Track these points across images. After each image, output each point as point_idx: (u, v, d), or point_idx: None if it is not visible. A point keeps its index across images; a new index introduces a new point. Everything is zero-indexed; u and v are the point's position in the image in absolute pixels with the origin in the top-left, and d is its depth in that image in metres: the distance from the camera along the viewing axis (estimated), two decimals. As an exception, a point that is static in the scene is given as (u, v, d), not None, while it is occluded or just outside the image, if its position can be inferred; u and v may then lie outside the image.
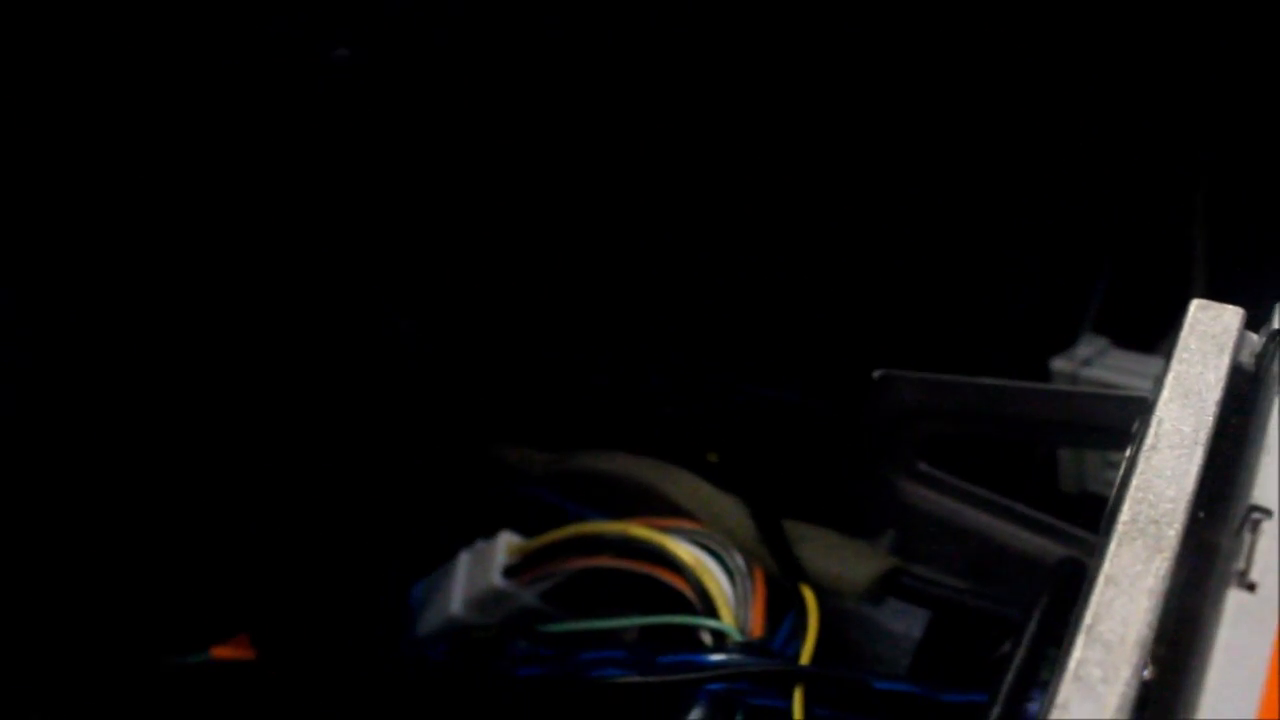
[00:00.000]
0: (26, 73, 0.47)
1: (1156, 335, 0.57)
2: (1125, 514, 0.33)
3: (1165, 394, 0.35)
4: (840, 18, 0.57)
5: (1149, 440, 0.34)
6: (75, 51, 0.47)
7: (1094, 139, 0.61)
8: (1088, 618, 0.31)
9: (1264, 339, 0.37)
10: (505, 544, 0.53)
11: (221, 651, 0.53)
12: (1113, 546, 0.32)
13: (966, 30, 0.58)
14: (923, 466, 0.52)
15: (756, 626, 0.47)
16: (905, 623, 0.50)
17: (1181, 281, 0.60)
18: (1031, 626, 0.43)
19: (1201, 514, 0.34)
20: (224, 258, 0.52)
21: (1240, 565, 0.31)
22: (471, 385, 0.58)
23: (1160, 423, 0.35)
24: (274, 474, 0.55)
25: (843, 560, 0.48)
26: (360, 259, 0.55)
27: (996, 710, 0.41)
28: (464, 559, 0.54)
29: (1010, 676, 0.41)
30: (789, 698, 0.44)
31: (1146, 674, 0.31)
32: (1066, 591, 0.43)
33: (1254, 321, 0.37)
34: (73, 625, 0.51)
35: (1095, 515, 0.36)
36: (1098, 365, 0.56)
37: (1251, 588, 0.30)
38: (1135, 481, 0.33)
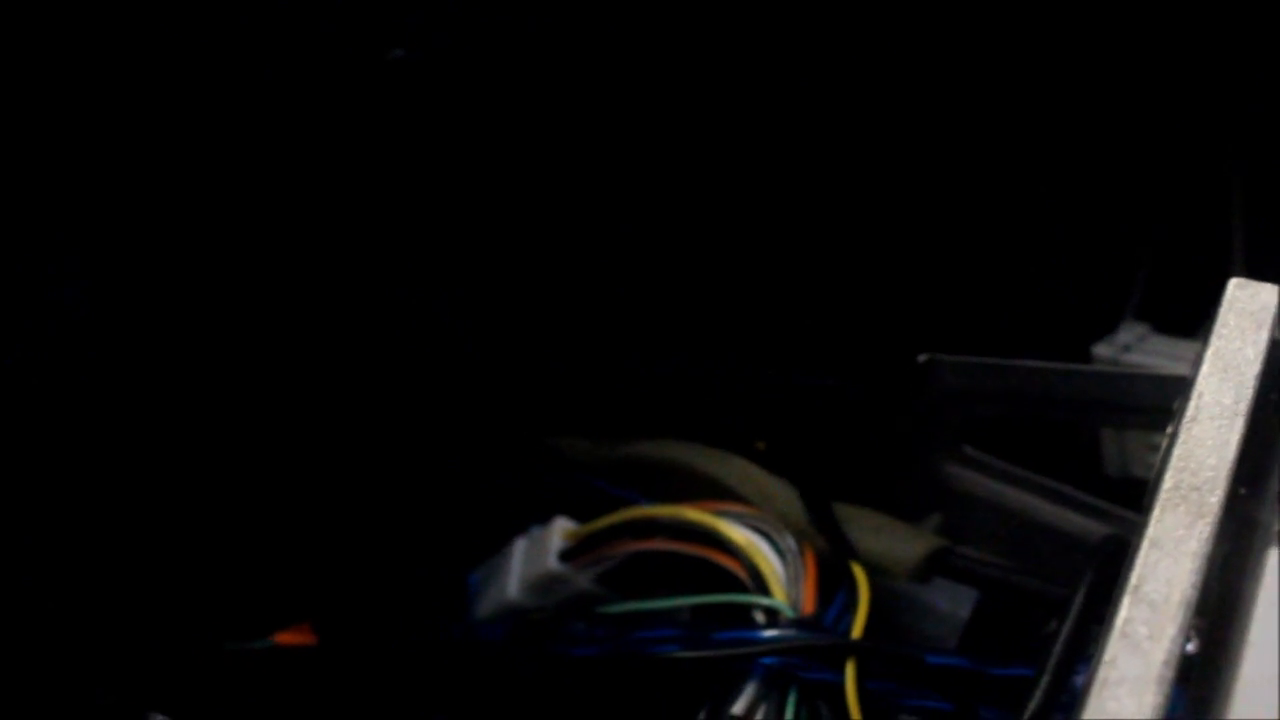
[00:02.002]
0: (94, 72, 0.49)
1: (1196, 321, 0.58)
2: (1168, 482, 0.34)
3: (1205, 368, 0.36)
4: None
5: (1190, 412, 0.35)
6: (132, 51, 0.49)
7: (1134, 126, 0.61)
8: (1133, 579, 0.32)
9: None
10: (560, 529, 0.54)
11: (284, 637, 0.54)
12: (1156, 512, 0.33)
13: (1013, 21, 0.59)
14: (968, 449, 0.53)
15: (808, 604, 0.48)
16: (952, 602, 0.50)
17: (1221, 269, 0.61)
18: (1077, 602, 0.44)
19: (1243, 490, 0.35)
20: (286, 250, 0.54)
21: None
22: (526, 378, 0.59)
23: (1200, 395, 0.36)
24: (335, 463, 0.56)
25: (891, 540, 0.49)
26: (415, 252, 0.56)
27: (1045, 681, 0.42)
28: (520, 544, 0.55)
29: (1058, 649, 0.42)
30: (841, 671, 0.45)
31: (1190, 647, 0.32)
32: (1110, 568, 0.43)
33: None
34: (142, 611, 0.53)
35: (1138, 498, 0.37)
36: (1138, 350, 0.57)
37: (1292, 549, 0.31)
38: (1177, 451, 0.34)
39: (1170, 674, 0.30)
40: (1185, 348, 0.57)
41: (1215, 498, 0.34)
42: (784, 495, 0.51)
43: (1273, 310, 0.38)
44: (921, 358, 0.52)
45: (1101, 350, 0.58)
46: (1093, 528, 0.51)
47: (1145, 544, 0.32)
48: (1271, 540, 0.32)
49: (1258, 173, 0.61)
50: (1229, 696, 0.30)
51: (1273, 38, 0.59)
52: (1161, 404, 0.40)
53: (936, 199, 0.62)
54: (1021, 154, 0.62)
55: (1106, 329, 0.59)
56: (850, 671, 0.45)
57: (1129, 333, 0.58)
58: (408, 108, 0.54)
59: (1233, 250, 0.60)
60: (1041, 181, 0.62)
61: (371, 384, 0.57)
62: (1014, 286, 0.63)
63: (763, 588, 0.48)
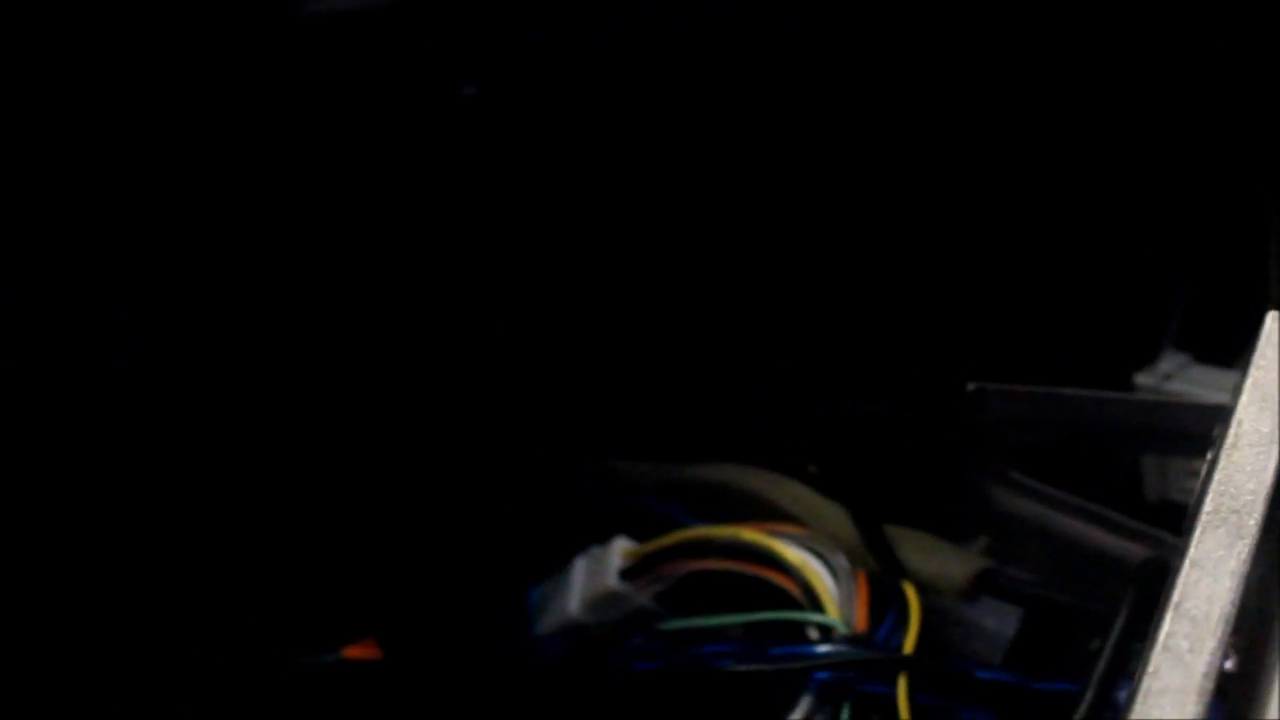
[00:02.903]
0: (152, 105, 0.51)
1: (1234, 351, 0.59)
2: (1208, 505, 0.35)
3: (1244, 398, 0.38)
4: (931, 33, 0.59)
5: (1229, 440, 0.37)
6: (196, 84, 0.51)
7: (1174, 158, 0.62)
8: (1175, 596, 0.33)
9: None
10: (620, 549, 0.55)
11: (351, 651, 0.55)
12: (1197, 534, 0.35)
13: (1052, 61, 0.60)
14: (1014, 474, 0.55)
15: (860, 621, 0.50)
16: (999, 620, 0.52)
17: (1259, 300, 0.62)
18: (1119, 620, 0.45)
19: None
20: (359, 278, 0.56)
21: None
22: (591, 404, 0.61)
23: (1240, 424, 0.37)
24: (404, 484, 0.58)
25: (940, 560, 0.51)
26: (489, 280, 0.58)
27: (1089, 695, 0.44)
28: (580, 564, 0.56)
29: (1101, 665, 0.44)
30: (893, 685, 0.47)
31: (1229, 665, 0.34)
32: (1151, 588, 0.45)
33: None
34: (211, 626, 0.54)
35: (1177, 522, 0.38)
36: (1179, 379, 0.59)
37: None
38: (1218, 476, 0.36)
39: (1210, 685, 0.32)
40: (1224, 377, 0.58)
41: (1253, 520, 0.35)
42: (836, 517, 0.53)
43: (1308, 343, 0.39)
44: (970, 386, 0.53)
45: (1143, 379, 0.59)
46: (1133, 550, 0.53)
47: (1186, 563, 0.34)
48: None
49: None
50: (1265, 709, 0.32)
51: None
52: (1202, 431, 0.42)
53: (985, 238, 0.63)
54: (1065, 189, 0.63)
55: (1147, 359, 0.61)
56: (902, 685, 0.47)
57: (1170, 362, 0.60)
58: (474, 141, 0.56)
59: (1270, 281, 0.61)
60: (1084, 215, 0.64)
61: (442, 408, 0.58)
62: (1059, 317, 0.64)
63: (817, 605, 0.50)
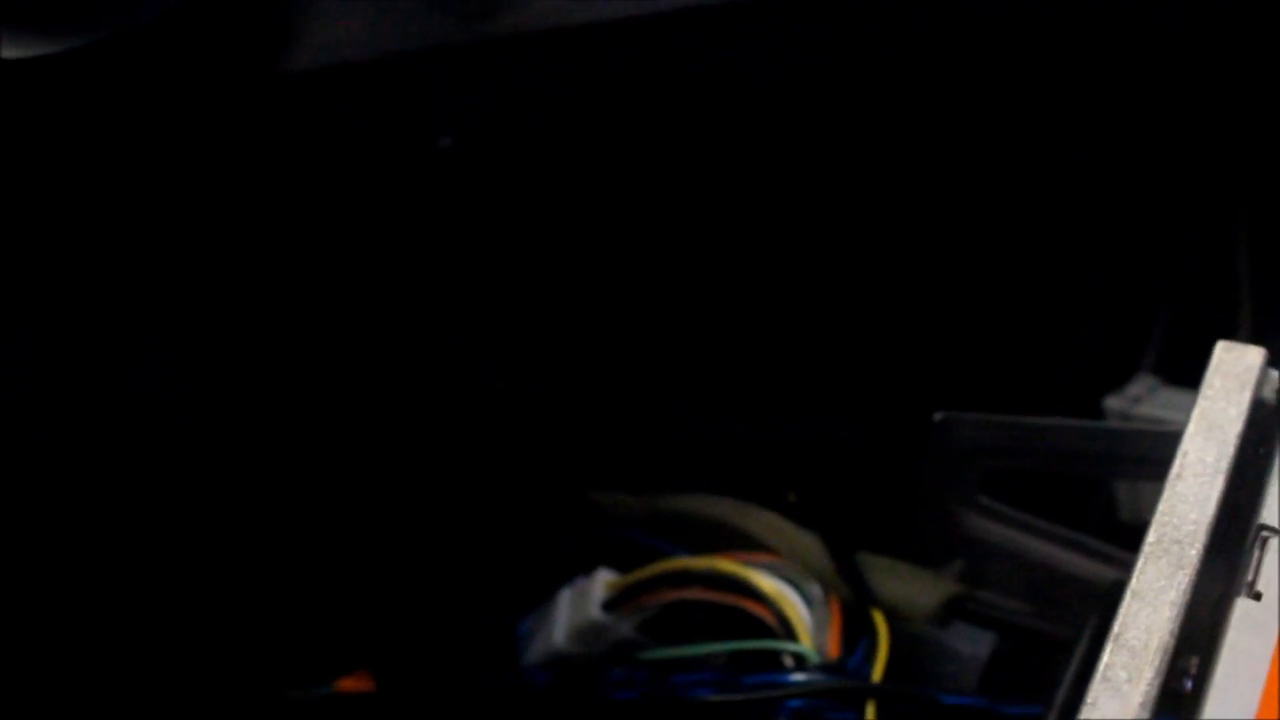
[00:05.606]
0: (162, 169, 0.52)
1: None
2: (1151, 535, 0.36)
3: (1191, 428, 0.39)
4: (902, 63, 0.60)
5: (1175, 470, 0.38)
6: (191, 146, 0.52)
7: (1146, 182, 0.63)
8: (1116, 627, 0.34)
9: (1282, 375, 0.40)
10: (603, 580, 0.57)
11: (345, 684, 0.56)
12: (1140, 564, 0.36)
13: (1023, 79, 0.60)
14: (984, 500, 0.55)
15: (833, 649, 0.51)
16: (972, 645, 0.53)
17: (1233, 322, 0.63)
18: (1082, 644, 0.46)
19: (1230, 541, 0.38)
20: (341, 321, 0.57)
21: (1249, 577, 0.35)
22: (569, 437, 0.62)
23: (1185, 454, 0.38)
24: (394, 520, 0.59)
25: (911, 586, 0.52)
26: (468, 316, 0.59)
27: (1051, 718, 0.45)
28: (565, 595, 0.57)
29: (1062, 690, 0.45)
30: (862, 713, 0.48)
31: (1188, 686, 0.35)
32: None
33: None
34: (207, 660, 0.55)
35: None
36: (1148, 403, 0.59)
37: (1258, 597, 0.34)
38: (1161, 506, 0.37)
39: (1146, 715, 0.33)
40: (1193, 400, 0.59)
41: (1195, 550, 0.36)
42: (810, 546, 0.54)
43: (1256, 372, 0.40)
44: (938, 416, 0.54)
45: (1112, 403, 0.60)
46: (1106, 573, 0.53)
47: (1128, 594, 0.35)
48: (1240, 589, 0.35)
49: (1264, 227, 0.63)
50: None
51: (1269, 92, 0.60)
52: (1165, 457, 0.42)
53: (956, 263, 0.64)
54: (1036, 213, 0.64)
55: (1120, 382, 0.61)
56: (870, 713, 0.48)
57: (1139, 385, 0.60)
58: (458, 188, 0.57)
59: (1240, 304, 0.62)
60: (1057, 239, 0.64)
61: (430, 444, 0.59)
62: (1031, 343, 0.65)
63: (791, 634, 0.51)
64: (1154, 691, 0.33)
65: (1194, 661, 0.35)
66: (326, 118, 0.54)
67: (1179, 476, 0.38)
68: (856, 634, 0.52)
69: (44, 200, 0.50)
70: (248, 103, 0.52)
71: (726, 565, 0.54)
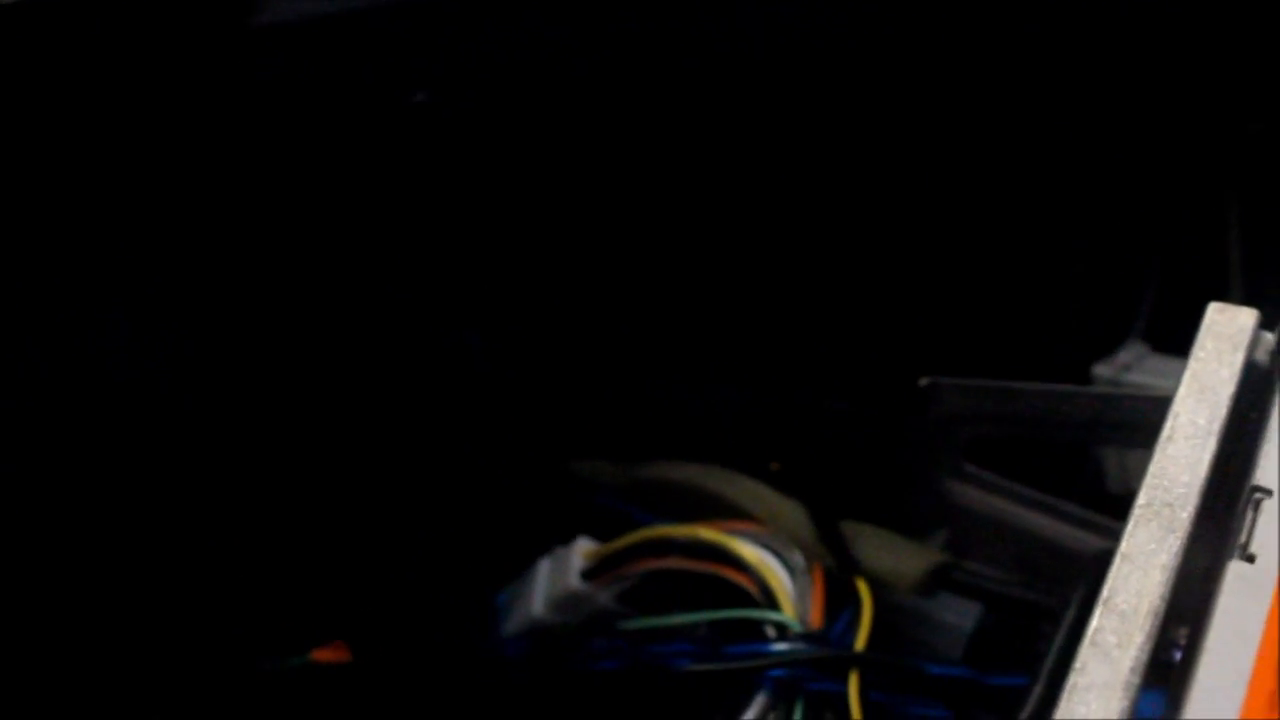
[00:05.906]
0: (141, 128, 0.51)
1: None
2: (1142, 498, 0.35)
3: (1182, 390, 0.38)
4: (897, 38, 0.59)
5: (1165, 432, 0.37)
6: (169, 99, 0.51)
7: (1136, 149, 0.63)
8: (1105, 591, 0.34)
9: (1278, 336, 0.39)
10: (582, 549, 0.56)
11: (320, 654, 0.56)
12: (1129, 527, 0.35)
13: (1015, 58, 0.60)
14: (970, 468, 0.55)
15: (815, 619, 0.50)
16: (957, 615, 0.52)
17: (1224, 288, 0.62)
18: (1070, 613, 0.46)
19: (1222, 505, 0.37)
20: (309, 281, 0.56)
21: (1242, 539, 0.34)
22: (547, 405, 0.61)
23: (1177, 416, 0.37)
24: (370, 488, 0.58)
25: (896, 556, 0.52)
26: (445, 284, 0.58)
27: (1037, 689, 0.44)
28: (544, 565, 0.57)
29: (1050, 659, 0.44)
30: (845, 682, 0.47)
31: (1176, 657, 0.34)
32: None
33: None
34: (180, 631, 0.54)
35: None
36: (1137, 370, 0.59)
37: (1251, 559, 0.33)
38: (1151, 469, 0.36)
39: (1137, 680, 0.32)
40: (1181, 366, 0.58)
41: (1186, 513, 0.35)
42: (793, 514, 0.54)
43: (1249, 333, 0.39)
44: (923, 381, 0.53)
45: (1102, 370, 0.59)
46: (1092, 542, 0.53)
47: (1118, 558, 0.34)
48: (1233, 552, 0.34)
49: (1255, 194, 0.63)
50: (1186, 701, 0.32)
51: (1271, 62, 0.60)
52: (1153, 423, 0.42)
53: (943, 226, 0.63)
54: (1026, 180, 0.64)
55: (1110, 349, 0.61)
56: (854, 682, 0.47)
57: (1129, 352, 0.60)
58: (434, 148, 0.56)
59: (1230, 269, 0.61)
60: (1047, 206, 0.64)
61: (406, 412, 0.58)
62: (1021, 310, 0.64)
63: (773, 603, 0.51)
64: (1144, 656, 0.33)
65: (1183, 632, 0.34)
66: (296, 73, 0.52)
67: (1170, 439, 0.37)
68: (840, 603, 0.51)
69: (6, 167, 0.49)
70: (218, 60, 0.51)
71: (708, 533, 0.53)
